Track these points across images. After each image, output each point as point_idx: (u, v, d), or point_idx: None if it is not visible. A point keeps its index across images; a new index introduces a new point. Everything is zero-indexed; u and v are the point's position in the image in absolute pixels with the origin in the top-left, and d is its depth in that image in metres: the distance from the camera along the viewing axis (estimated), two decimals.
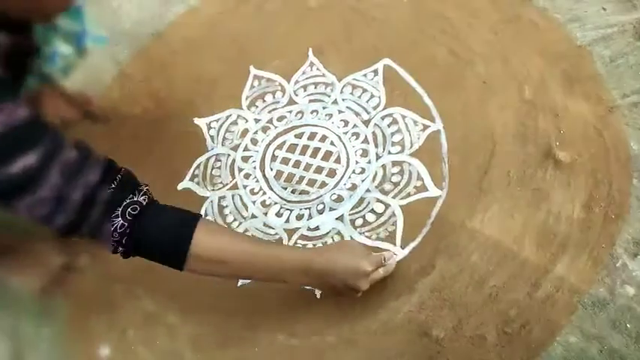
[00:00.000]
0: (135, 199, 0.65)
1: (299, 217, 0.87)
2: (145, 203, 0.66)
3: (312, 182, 0.89)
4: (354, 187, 0.87)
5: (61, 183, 0.61)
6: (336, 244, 0.81)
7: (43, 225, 0.63)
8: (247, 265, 0.70)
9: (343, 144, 0.91)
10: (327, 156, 0.91)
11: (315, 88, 0.99)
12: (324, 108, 0.96)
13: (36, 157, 0.59)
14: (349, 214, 0.84)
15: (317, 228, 0.85)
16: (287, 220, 0.87)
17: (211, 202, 0.93)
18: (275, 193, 0.90)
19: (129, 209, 0.65)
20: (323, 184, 0.88)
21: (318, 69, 1.01)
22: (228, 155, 0.97)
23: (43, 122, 0.62)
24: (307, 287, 0.79)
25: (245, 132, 0.98)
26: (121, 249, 0.66)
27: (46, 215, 0.62)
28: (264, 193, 0.91)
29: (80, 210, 0.62)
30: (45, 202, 0.61)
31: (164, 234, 0.66)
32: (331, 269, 0.70)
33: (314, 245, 0.83)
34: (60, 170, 0.61)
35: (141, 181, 0.69)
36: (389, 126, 0.90)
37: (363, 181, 0.87)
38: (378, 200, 0.84)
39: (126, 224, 0.64)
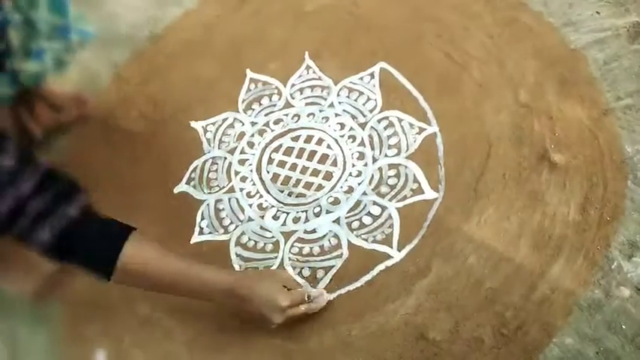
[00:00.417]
0: (67, 211, 0.66)
1: (296, 220, 0.87)
2: (75, 216, 0.66)
3: (308, 185, 0.89)
4: (350, 190, 0.87)
5: None
6: (263, 272, 0.81)
7: None
8: (171, 283, 0.72)
9: (340, 147, 0.91)
10: (323, 159, 0.91)
11: (312, 91, 0.99)
12: (320, 111, 0.96)
13: None
14: (346, 217, 0.84)
15: (314, 231, 0.85)
16: (284, 223, 0.87)
17: (208, 205, 0.93)
18: (272, 196, 0.91)
19: (57, 222, 0.65)
20: (320, 187, 0.89)
21: (314, 72, 1.01)
22: (225, 158, 0.97)
23: None
24: None
25: (241, 135, 0.98)
26: (48, 258, 0.67)
27: None
28: (261, 196, 0.91)
29: (8, 220, 0.63)
30: None
31: (92, 247, 0.68)
32: (249, 297, 0.72)
33: (311, 248, 0.84)
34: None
35: (81, 190, 0.69)
36: (385, 129, 0.91)
37: (359, 183, 0.87)
38: (375, 203, 0.84)
39: (51, 239, 0.65)
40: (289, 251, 0.84)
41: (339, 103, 0.96)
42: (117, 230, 0.70)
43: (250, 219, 0.89)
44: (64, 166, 1.03)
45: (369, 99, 0.95)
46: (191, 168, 0.98)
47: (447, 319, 0.73)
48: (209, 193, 0.94)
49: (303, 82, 1.01)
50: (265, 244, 0.86)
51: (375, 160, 0.88)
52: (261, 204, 0.90)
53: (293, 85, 1.01)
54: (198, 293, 0.74)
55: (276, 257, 0.84)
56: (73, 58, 0.95)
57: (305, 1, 1.12)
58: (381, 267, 0.79)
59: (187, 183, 0.96)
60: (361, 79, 0.97)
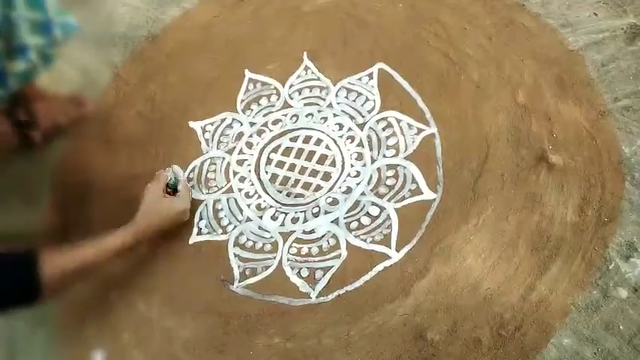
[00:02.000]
0: None
1: (294, 221, 0.87)
2: None
3: (307, 185, 0.89)
4: (349, 191, 0.87)
5: None
6: (142, 205, 0.86)
7: None
8: (93, 269, 0.79)
9: (338, 147, 0.91)
10: (322, 159, 0.91)
11: (310, 91, 0.99)
12: (319, 111, 0.96)
13: None
14: (344, 218, 0.85)
15: (312, 231, 0.85)
16: (282, 224, 0.87)
17: (206, 205, 0.93)
18: (270, 196, 0.91)
19: None
20: (318, 188, 0.89)
21: (313, 73, 1.01)
22: (223, 158, 0.97)
23: None
24: (298, 286, 0.79)
25: (240, 135, 0.98)
26: None
27: None
28: (260, 196, 0.91)
29: None
30: None
31: (7, 281, 0.70)
32: (152, 224, 0.84)
33: (309, 249, 0.84)
34: None
35: None
36: (384, 129, 0.91)
37: (358, 184, 0.87)
38: (373, 203, 0.84)
39: None
40: (288, 251, 0.84)
41: (338, 103, 0.96)
42: (24, 259, 0.72)
43: (249, 219, 0.89)
44: (62, 167, 1.04)
45: (367, 99, 0.95)
46: (189, 168, 0.97)
47: (446, 319, 0.73)
48: (207, 193, 0.94)
49: (301, 82, 1.01)
50: (264, 244, 0.86)
51: (373, 160, 0.88)
52: (259, 204, 0.90)
53: (292, 85, 1.01)
54: (119, 257, 0.81)
55: (274, 257, 0.84)
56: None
57: (303, 1, 1.12)
58: (380, 267, 0.79)
59: None
60: (360, 79, 0.97)
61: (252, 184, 0.93)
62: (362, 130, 0.92)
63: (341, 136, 0.92)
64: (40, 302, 0.72)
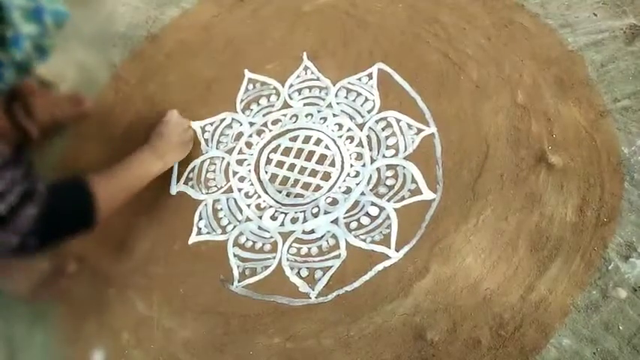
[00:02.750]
0: (37, 190, 0.70)
1: (294, 221, 0.87)
2: (38, 188, 0.70)
3: (306, 185, 0.89)
4: (348, 191, 0.87)
5: None
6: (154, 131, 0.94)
7: None
8: (130, 193, 0.86)
9: (338, 147, 0.91)
10: (321, 159, 0.91)
11: (310, 91, 0.99)
12: (318, 111, 0.96)
13: None
14: (344, 218, 0.85)
15: (312, 231, 0.85)
16: (282, 224, 0.87)
17: (206, 205, 0.93)
18: (270, 196, 0.90)
19: (33, 197, 0.69)
20: (318, 188, 0.89)
21: (312, 72, 1.01)
22: (223, 158, 0.97)
23: None
24: (297, 286, 0.80)
25: (239, 135, 0.98)
26: (31, 241, 0.69)
27: None
28: (259, 196, 0.91)
29: None
30: None
31: (69, 208, 0.75)
32: (161, 135, 0.92)
33: (309, 249, 0.84)
34: None
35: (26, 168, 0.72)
36: (383, 129, 0.91)
37: (357, 184, 0.87)
38: (373, 203, 0.84)
39: (36, 210, 0.68)
40: (287, 252, 0.84)
41: (337, 103, 0.96)
42: (78, 182, 0.77)
43: (248, 219, 0.89)
44: (62, 166, 1.04)
45: (367, 99, 0.95)
46: (189, 168, 0.97)
47: (445, 319, 0.73)
48: (207, 193, 0.94)
49: (301, 82, 1.01)
50: (263, 244, 0.86)
51: (373, 160, 0.89)
52: (259, 204, 0.90)
53: (291, 85, 1.01)
54: (148, 178, 0.89)
55: (274, 257, 0.84)
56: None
57: (303, 1, 1.11)
58: (379, 267, 0.79)
59: (185, 183, 0.96)
60: (359, 79, 0.97)
61: (252, 184, 0.92)
62: (361, 130, 0.92)
63: (340, 136, 0.92)
64: (94, 226, 0.77)
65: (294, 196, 0.89)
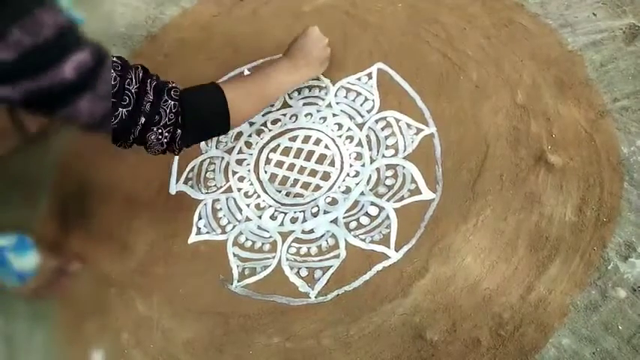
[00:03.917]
0: (172, 84, 0.74)
1: (293, 220, 0.87)
2: (178, 86, 0.75)
3: (306, 185, 0.89)
4: (348, 190, 0.87)
5: (115, 76, 0.65)
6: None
7: (102, 127, 0.67)
8: (264, 101, 0.89)
9: (337, 147, 0.91)
10: (321, 159, 0.91)
11: (310, 91, 0.99)
12: (318, 111, 0.96)
13: (88, 55, 0.61)
14: (343, 217, 0.85)
15: (311, 231, 0.85)
16: (281, 223, 0.87)
17: (205, 204, 0.93)
18: (269, 196, 0.91)
19: (172, 92, 0.73)
20: (317, 187, 0.89)
21: None
22: (222, 158, 0.97)
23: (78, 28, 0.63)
24: (297, 286, 0.79)
25: (239, 135, 0.98)
26: (178, 132, 0.73)
27: (108, 111, 0.65)
28: (259, 196, 0.91)
29: (137, 99, 0.68)
30: (105, 96, 0.64)
31: (206, 106, 0.78)
32: (298, 49, 0.90)
33: (308, 249, 0.84)
34: (110, 66, 0.65)
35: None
36: (383, 129, 0.91)
37: (357, 184, 0.87)
38: (373, 203, 0.84)
39: (177, 102, 0.72)
40: (287, 251, 0.84)
41: (337, 103, 0.96)
42: (214, 96, 0.79)
43: (248, 219, 0.89)
44: (62, 165, 1.04)
45: (366, 99, 0.95)
46: (188, 168, 0.97)
47: (445, 319, 0.73)
48: (206, 192, 0.94)
49: None
50: (263, 244, 0.86)
51: (372, 160, 0.89)
52: (258, 204, 0.90)
53: None
54: (279, 86, 0.90)
55: (273, 257, 0.84)
56: None
57: (302, 1, 1.11)
58: (379, 267, 0.79)
59: (185, 183, 0.96)
60: (359, 79, 0.97)
61: (252, 184, 0.93)
62: (361, 130, 0.92)
63: (340, 136, 0.92)
64: (228, 128, 0.80)
65: (294, 196, 0.89)
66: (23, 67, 0.57)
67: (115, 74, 0.66)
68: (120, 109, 0.67)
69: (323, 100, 0.97)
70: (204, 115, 0.78)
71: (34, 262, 0.85)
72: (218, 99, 0.78)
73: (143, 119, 0.70)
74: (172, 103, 0.72)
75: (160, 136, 0.73)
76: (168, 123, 0.72)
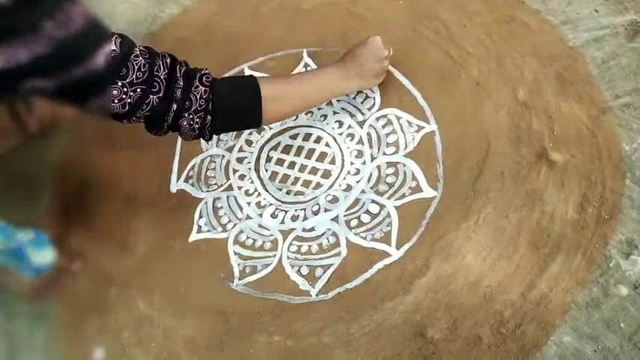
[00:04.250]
0: (204, 71, 0.73)
1: (294, 218, 0.87)
2: (210, 73, 0.74)
3: (307, 183, 0.89)
4: (349, 188, 0.87)
5: (145, 64, 0.66)
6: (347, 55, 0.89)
7: (134, 115, 0.69)
8: (305, 103, 0.85)
9: (338, 145, 0.91)
10: (321, 157, 0.91)
11: None
12: (319, 109, 0.96)
13: (116, 45, 0.63)
14: (344, 215, 0.84)
15: (312, 229, 0.85)
16: (282, 221, 0.87)
17: (206, 203, 0.93)
18: (270, 194, 0.90)
19: (203, 78, 0.72)
20: (318, 185, 0.88)
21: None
22: (223, 156, 0.97)
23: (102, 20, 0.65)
24: (298, 284, 0.79)
25: (239, 133, 0.98)
26: (208, 118, 0.73)
27: (140, 97, 0.67)
28: (259, 194, 0.91)
29: (167, 86, 0.69)
30: (137, 84, 0.66)
31: (238, 96, 0.76)
32: (355, 58, 0.86)
33: (309, 247, 0.84)
34: (138, 54, 0.66)
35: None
36: (383, 127, 0.91)
37: (358, 182, 0.87)
38: (373, 201, 0.84)
39: (208, 89, 0.72)
40: (288, 249, 0.84)
41: (338, 101, 0.96)
42: (247, 80, 0.79)
43: (248, 217, 0.89)
44: (62, 165, 1.04)
45: (367, 97, 0.94)
46: (189, 166, 0.97)
47: (446, 317, 0.73)
48: (207, 191, 0.94)
49: None
50: (264, 242, 0.86)
51: (373, 158, 0.88)
52: (259, 202, 0.90)
53: None
54: (328, 96, 0.89)
55: (274, 255, 0.84)
56: None
57: None
58: (380, 265, 0.79)
59: (185, 181, 0.96)
60: None
61: (252, 182, 0.92)
62: (362, 128, 0.92)
63: (341, 134, 0.92)
64: (260, 123, 0.79)
65: (295, 194, 0.89)
66: (57, 60, 0.59)
67: (143, 61, 0.66)
68: (151, 97, 0.68)
69: None
70: (234, 106, 0.76)
71: (51, 257, 0.86)
72: (251, 92, 0.77)
73: (175, 105, 0.70)
74: (203, 89, 0.72)
75: (192, 122, 0.73)
76: (199, 109, 0.72)
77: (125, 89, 0.65)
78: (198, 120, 0.73)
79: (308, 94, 0.84)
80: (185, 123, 0.72)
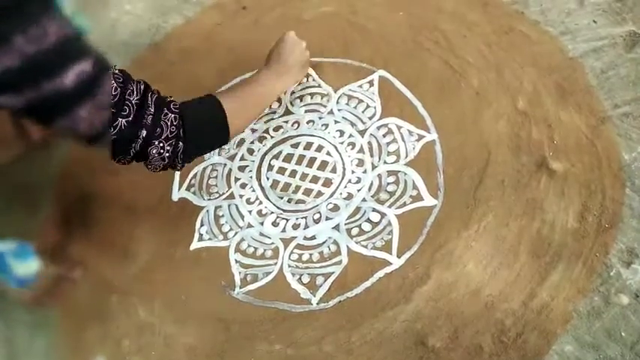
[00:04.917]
0: (170, 98, 0.75)
1: (295, 227, 0.87)
2: (176, 100, 0.75)
3: (308, 192, 0.90)
4: (350, 197, 0.87)
5: (116, 87, 0.66)
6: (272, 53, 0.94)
7: (101, 138, 0.67)
8: (259, 110, 0.93)
9: (339, 154, 0.92)
10: (323, 166, 0.91)
11: (311, 98, 1.00)
12: (320, 118, 0.96)
13: (89, 65, 0.62)
14: (345, 224, 0.85)
15: (313, 237, 0.85)
16: (283, 230, 0.87)
17: (207, 211, 0.93)
18: (271, 202, 0.91)
19: (171, 105, 0.74)
20: (319, 194, 0.89)
21: (314, 80, 1.02)
22: (225, 165, 0.97)
23: (85, 37, 0.64)
24: (299, 292, 0.79)
25: (241, 142, 0.99)
26: (180, 144, 0.74)
27: (107, 121, 0.66)
28: (261, 202, 0.91)
29: (137, 111, 0.69)
30: (105, 106, 0.65)
31: (206, 117, 0.79)
32: (278, 57, 0.92)
33: (310, 255, 0.84)
34: (111, 77, 0.66)
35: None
36: (384, 136, 0.91)
37: (359, 190, 0.87)
38: (374, 210, 0.84)
39: (177, 115, 0.73)
40: (289, 258, 0.84)
41: (339, 110, 0.96)
42: (210, 100, 0.81)
43: (250, 225, 0.89)
44: (63, 172, 1.04)
45: (368, 106, 0.95)
46: (191, 174, 0.98)
47: (447, 326, 0.73)
48: (208, 199, 0.94)
49: (302, 89, 1.01)
50: (265, 250, 0.86)
51: (374, 166, 0.89)
52: (260, 210, 0.90)
53: (292, 92, 1.02)
54: (273, 96, 0.95)
55: (275, 263, 0.84)
56: None
57: (304, 9, 1.12)
58: (381, 274, 0.79)
59: (187, 189, 0.96)
60: (360, 86, 0.98)
61: (254, 191, 0.93)
62: (363, 137, 0.92)
63: (342, 143, 0.93)
64: (227, 140, 0.83)
65: (296, 203, 0.89)
66: (26, 75, 0.58)
67: (115, 85, 0.67)
68: (119, 120, 0.67)
69: (325, 107, 0.98)
70: (204, 127, 0.78)
71: (35, 268, 0.85)
72: (217, 110, 0.79)
73: (144, 132, 0.70)
74: (173, 116, 0.73)
75: (162, 150, 0.73)
76: (169, 136, 0.72)
77: (94, 111, 0.63)
78: (169, 148, 0.73)
79: (260, 102, 0.91)
80: (154, 151, 0.72)
